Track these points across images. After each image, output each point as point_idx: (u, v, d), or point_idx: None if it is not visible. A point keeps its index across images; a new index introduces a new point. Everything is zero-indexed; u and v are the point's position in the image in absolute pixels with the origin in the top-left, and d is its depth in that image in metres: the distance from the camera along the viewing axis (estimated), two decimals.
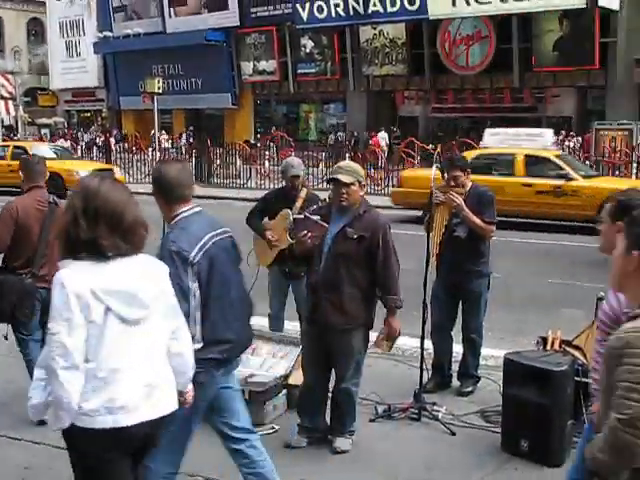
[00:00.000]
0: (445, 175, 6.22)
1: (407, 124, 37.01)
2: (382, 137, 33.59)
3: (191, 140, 37.00)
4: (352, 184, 4.96)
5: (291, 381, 5.90)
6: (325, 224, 5.06)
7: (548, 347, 5.86)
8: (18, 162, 6.13)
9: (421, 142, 27.45)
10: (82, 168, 22.07)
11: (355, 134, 35.28)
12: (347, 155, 26.03)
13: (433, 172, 5.99)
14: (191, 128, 40.88)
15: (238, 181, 25.22)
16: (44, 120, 48.82)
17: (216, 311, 3.77)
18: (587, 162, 23.02)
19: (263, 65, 40.30)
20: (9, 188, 22.00)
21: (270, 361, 6.12)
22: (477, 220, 6.08)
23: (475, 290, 6.31)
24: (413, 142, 26.63)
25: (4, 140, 34.01)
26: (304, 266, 6.67)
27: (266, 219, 6.89)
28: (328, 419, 5.43)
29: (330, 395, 5.42)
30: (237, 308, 3.96)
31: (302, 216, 5.11)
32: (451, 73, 34.33)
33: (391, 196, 18.70)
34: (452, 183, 6.13)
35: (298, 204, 6.58)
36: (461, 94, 35.45)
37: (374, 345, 5.15)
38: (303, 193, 6.72)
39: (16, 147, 24.19)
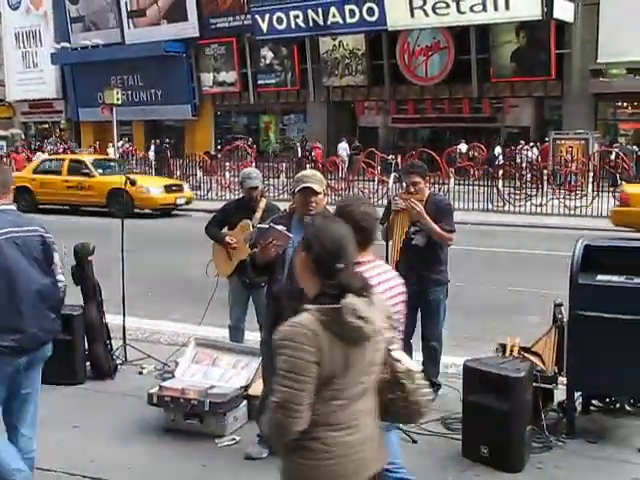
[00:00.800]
0: (404, 182, 6.26)
1: (367, 134, 37.18)
2: (343, 148, 33.68)
3: (159, 151, 36.80)
4: (320, 193, 5.00)
5: (252, 392, 5.87)
6: (289, 234, 5.05)
7: (507, 354, 5.90)
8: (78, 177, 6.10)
9: (381, 152, 27.59)
10: (152, 184, 21.40)
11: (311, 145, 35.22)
12: (308, 166, 26.04)
13: (391, 181, 6.03)
14: (166, 140, 40.34)
15: (198, 192, 25.11)
16: (0, 132, 48.16)
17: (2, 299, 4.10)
18: (545, 170, 23.34)
19: (223, 76, 40.25)
20: (65, 206, 21.71)
21: (230, 372, 6.08)
22: (438, 228, 6.12)
23: (434, 298, 6.33)
24: (373, 152, 26.76)
25: None
26: (265, 276, 6.71)
27: (225, 229, 6.89)
28: None
29: None
30: (30, 300, 4.20)
31: (266, 225, 5.09)
32: (410, 83, 34.58)
33: (611, 216, 16.85)
34: (412, 189, 6.15)
35: (258, 214, 6.58)
36: (421, 104, 35.71)
37: None
38: (262, 203, 6.73)
39: (74, 161, 22.71)
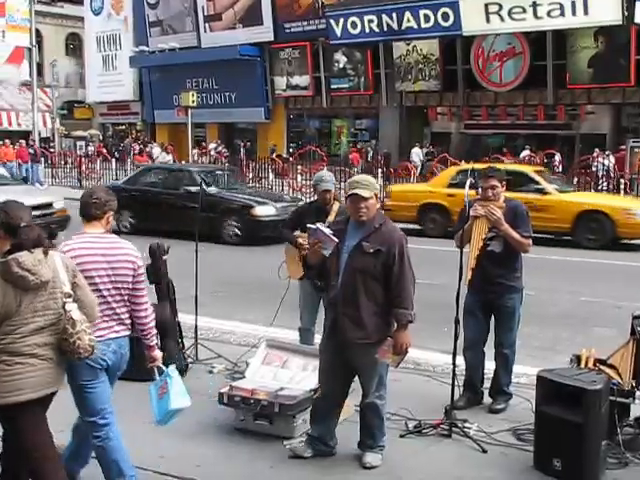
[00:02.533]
0: (480, 187, 6.16)
1: (440, 140, 36.87)
2: (416, 153, 33.49)
3: (220, 149, 37.25)
4: (370, 198, 4.95)
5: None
6: (335, 238, 5.04)
7: (582, 365, 5.77)
8: None
9: (454, 158, 27.35)
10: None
11: (385, 150, 35.18)
12: (379, 171, 25.99)
13: (467, 186, 5.93)
14: (242, 142, 40.63)
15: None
16: (79, 132, 49.43)
17: None
18: (621, 179, 22.76)
19: (296, 80, 40.48)
20: None
21: (300, 374, 6.08)
22: (517, 235, 6.03)
23: (509, 305, 6.25)
24: (446, 158, 26.56)
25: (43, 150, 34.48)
26: (322, 279, 6.76)
27: (298, 232, 6.91)
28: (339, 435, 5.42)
29: (358, 410, 5.39)
30: None
31: (315, 226, 5.11)
32: (484, 89, 34.20)
33: None
34: (489, 194, 6.07)
35: (331, 218, 6.57)
36: (494, 110, 35.29)
37: (378, 355, 5.01)
38: (336, 207, 6.73)
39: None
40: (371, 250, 4.92)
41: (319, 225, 5.15)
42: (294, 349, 6.40)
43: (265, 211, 15.75)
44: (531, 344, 7.89)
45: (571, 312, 9.99)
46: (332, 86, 38.92)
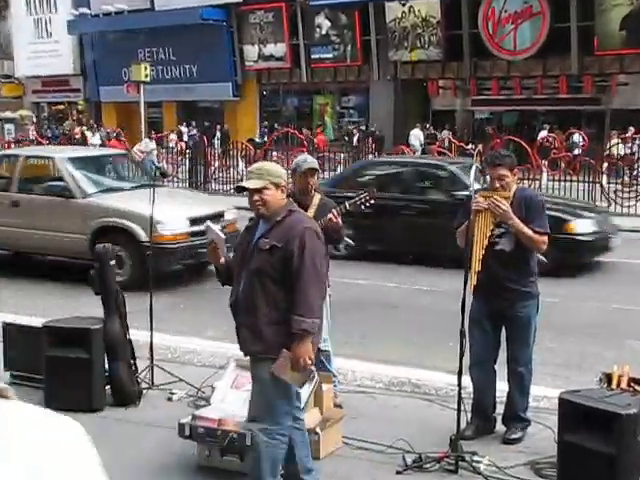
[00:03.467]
0: (487, 175, 6.21)
1: (442, 119, 37.00)
2: (416, 136, 33.58)
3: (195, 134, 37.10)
4: (265, 188, 4.95)
5: None
6: (222, 235, 5.18)
7: (613, 385, 5.82)
8: None
9: (459, 141, 27.46)
10: None
11: (377, 132, 35.20)
12: (370, 156, 26.05)
13: (472, 174, 5.97)
14: (211, 124, 40.57)
15: None
16: (8, 114, 49.13)
17: None
18: None
19: (270, 49, 40.50)
20: None
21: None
22: (528, 230, 6.06)
23: (523, 315, 6.28)
24: (450, 141, 26.66)
25: None
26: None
27: None
28: None
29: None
30: None
31: (206, 224, 5.27)
32: (495, 58, 34.34)
33: None
34: (497, 184, 6.11)
35: (310, 212, 6.58)
36: (507, 83, 35.44)
37: (274, 370, 4.88)
38: (316, 199, 6.75)
39: None
40: (267, 247, 4.93)
41: (209, 222, 5.26)
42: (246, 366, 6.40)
43: (585, 227, 13.52)
44: (552, 361, 7.94)
45: (600, 322, 10.06)
46: (313, 56, 38.99)
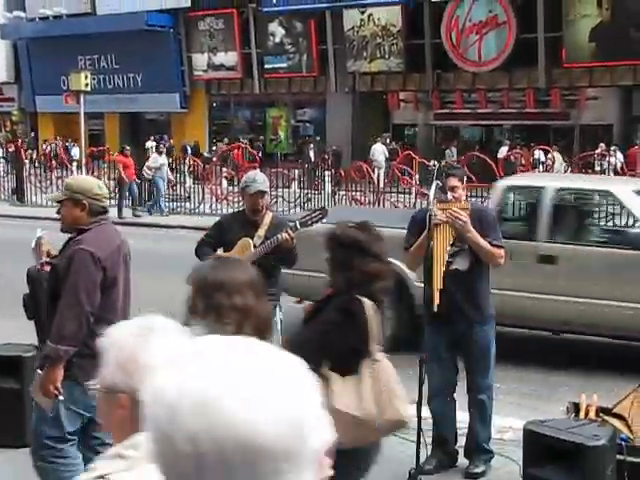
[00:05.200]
0: (448, 194, 6.24)
1: (403, 134, 37.26)
2: (379, 151, 33.65)
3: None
4: (63, 202, 5.04)
5: None
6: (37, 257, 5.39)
7: (581, 415, 5.85)
8: None
9: (421, 157, 27.59)
10: None
11: (334, 147, 35.19)
12: (326, 173, 26.10)
13: (432, 190, 5.99)
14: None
15: (188, 205, 25.20)
16: None
17: None
18: None
19: (221, 58, 40.50)
20: None
21: None
22: (486, 244, 6.10)
23: (482, 339, 6.29)
24: (411, 156, 26.77)
25: None
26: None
27: (220, 251, 6.90)
28: None
29: None
30: None
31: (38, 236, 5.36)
32: (459, 70, 34.63)
33: None
34: (449, 196, 6.15)
35: (261, 231, 6.62)
36: (471, 96, 35.74)
37: (30, 390, 4.94)
38: (268, 218, 6.76)
39: None
40: (47, 268, 5.08)
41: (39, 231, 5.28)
42: None
43: None
44: (518, 390, 7.97)
45: (567, 348, 10.11)
46: (266, 66, 39.05)
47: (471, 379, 6.39)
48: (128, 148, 25.99)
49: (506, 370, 8.35)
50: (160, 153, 25.78)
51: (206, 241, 7.00)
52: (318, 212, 6.79)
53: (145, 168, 25.05)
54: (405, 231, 6.49)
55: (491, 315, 6.35)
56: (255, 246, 6.59)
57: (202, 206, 25.25)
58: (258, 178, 6.89)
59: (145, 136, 41.23)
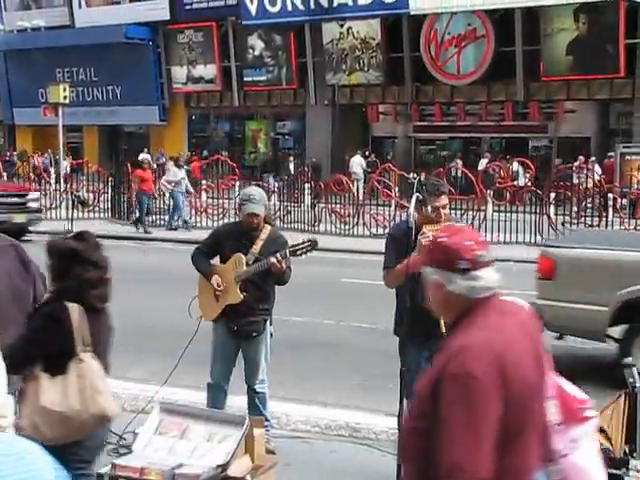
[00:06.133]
0: (429, 206, 6.18)
1: (382, 146, 37.34)
2: (357, 163, 33.73)
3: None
4: None
5: (231, 472, 5.82)
6: None
7: None
8: None
9: (400, 169, 27.64)
10: None
11: (313, 159, 35.19)
12: (306, 185, 26.13)
13: (413, 203, 5.96)
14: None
15: (166, 217, 25.14)
16: None
17: None
18: (610, 194, 23.35)
19: (200, 71, 40.55)
20: None
21: (204, 446, 6.03)
22: None
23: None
24: (390, 169, 26.81)
25: None
26: (258, 324, 6.84)
27: (217, 260, 6.94)
28: None
29: None
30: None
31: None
32: (438, 83, 34.79)
33: None
34: (441, 214, 6.08)
35: (257, 247, 6.67)
36: (450, 109, 35.88)
37: None
38: (265, 233, 6.75)
39: None
40: None
41: None
42: (197, 414, 6.33)
43: None
44: None
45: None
46: (246, 79, 39.11)
47: None
48: (147, 161, 26.00)
49: None
50: (180, 167, 25.34)
51: (202, 250, 7.03)
52: (308, 243, 6.76)
53: (164, 182, 24.75)
54: None
55: None
56: (248, 263, 6.62)
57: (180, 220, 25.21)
58: (253, 197, 6.80)
59: (123, 149, 41.25)
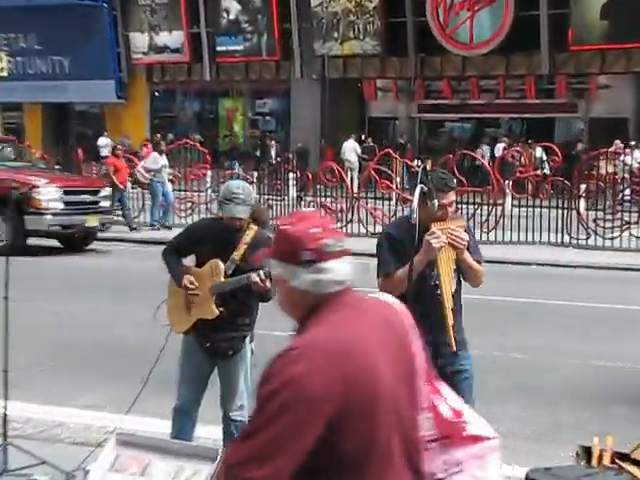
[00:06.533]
0: (435, 200, 6.17)
1: (381, 129, 37.38)
2: (351, 148, 33.77)
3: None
4: None
5: None
6: None
7: (594, 462, 5.88)
8: None
9: (402, 156, 27.66)
10: None
11: (299, 144, 35.23)
12: (291, 175, 26.12)
13: (416, 197, 5.94)
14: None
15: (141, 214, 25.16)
16: None
17: None
18: None
19: (164, 38, 40.52)
20: None
21: None
22: (477, 264, 6.15)
23: (466, 370, 6.29)
24: (390, 156, 26.79)
25: None
26: (236, 341, 6.83)
27: (192, 258, 6.89)
28: None
29: None
30: None
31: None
32: (447, 53, 34.81)
33: None
34: (449, 212, 6.10)
35: (237, 254, 6.62)
36: (461, 85, 35.92)
37: None
38: (250, 236, 6.65)
39: None
40: None
41: None
42: (160, 446, 6.34)
43: None
44: (519, 431, 8.00)
45: (576, 381, 10.17)
46: (219, 48, 39.10)
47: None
48: (120, 147, 25.80)
49: (503, 406, 8.41)
50: (161, 152, 25.13)
51: (174, 247, 6.94)
52: None
53: (140, 169, 24.61)
54: None
55: (468, 342, 6.37)
56: (226, 274, 6.56)
57: (142, 215, 25.18)
58: (237, 197, 6.64)
59: (73, 130, 41.25)
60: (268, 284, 6.35)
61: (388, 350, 3.15)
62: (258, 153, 37.76)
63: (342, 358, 2.97)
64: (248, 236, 6.70)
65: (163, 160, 24.48)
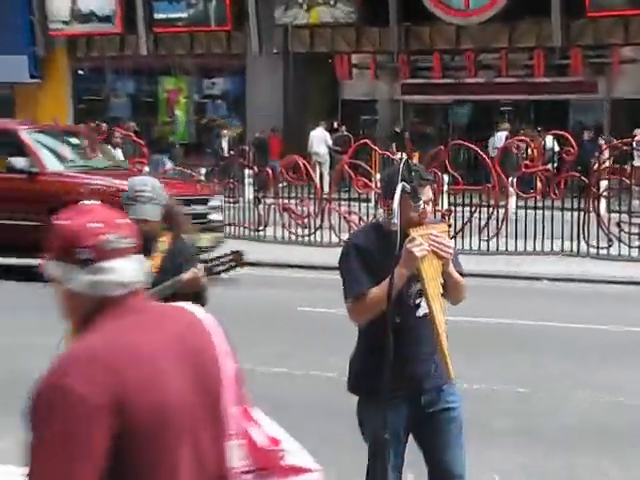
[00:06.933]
0: (420, 202, 6.16)
1: (357, 114, 37.39)
2: (320, 138, 33.77)
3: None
4: None
5: None
6: None
7: None
8: None
9: (383, 147, 27.65)
10: None
11: (258, 133, 35.20)
12: (246, 172, 26.10)
13: (397, 195, 5.94)
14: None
15: None
16: None
17: None
18: None
19: (90, 3, 40.46)
20: None
21: None
22: (460, 277, 6.19)
23: (459, 408, 6.32)
24: (368, 146, 26.79)
25: None
26: None
27: None
28: None
29: None
30: None
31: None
32: (437, 22, 34.90)
33: None
34: (426, 212, 6.09)
35: (155, 262, 6.67)
36: (455, 60, 36.01)
37: None
38: (165, 243, 6.70)
39: None
40: None
41: None
42: None
43: None
44: (528, 475, 8.05)
45: (594, 419, 10.23)
46: (157, 16, 39.09)
47: (450, 460, 6.37)
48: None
49: (504, 451, 8.48)
50: (115, 146, 24.91)
51: None
52: (230, 256, 6.73)
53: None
54: None
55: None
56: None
57: None
58: (141, 195, 6.74)
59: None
60: (203, 283, 6.45)
61: (182, 362, 3.25)
62: (207, 146, 37.75)
63: (120, 368, 3.07)
64: (163, 244, 6.76)
65: (118, 154, 24.32)
